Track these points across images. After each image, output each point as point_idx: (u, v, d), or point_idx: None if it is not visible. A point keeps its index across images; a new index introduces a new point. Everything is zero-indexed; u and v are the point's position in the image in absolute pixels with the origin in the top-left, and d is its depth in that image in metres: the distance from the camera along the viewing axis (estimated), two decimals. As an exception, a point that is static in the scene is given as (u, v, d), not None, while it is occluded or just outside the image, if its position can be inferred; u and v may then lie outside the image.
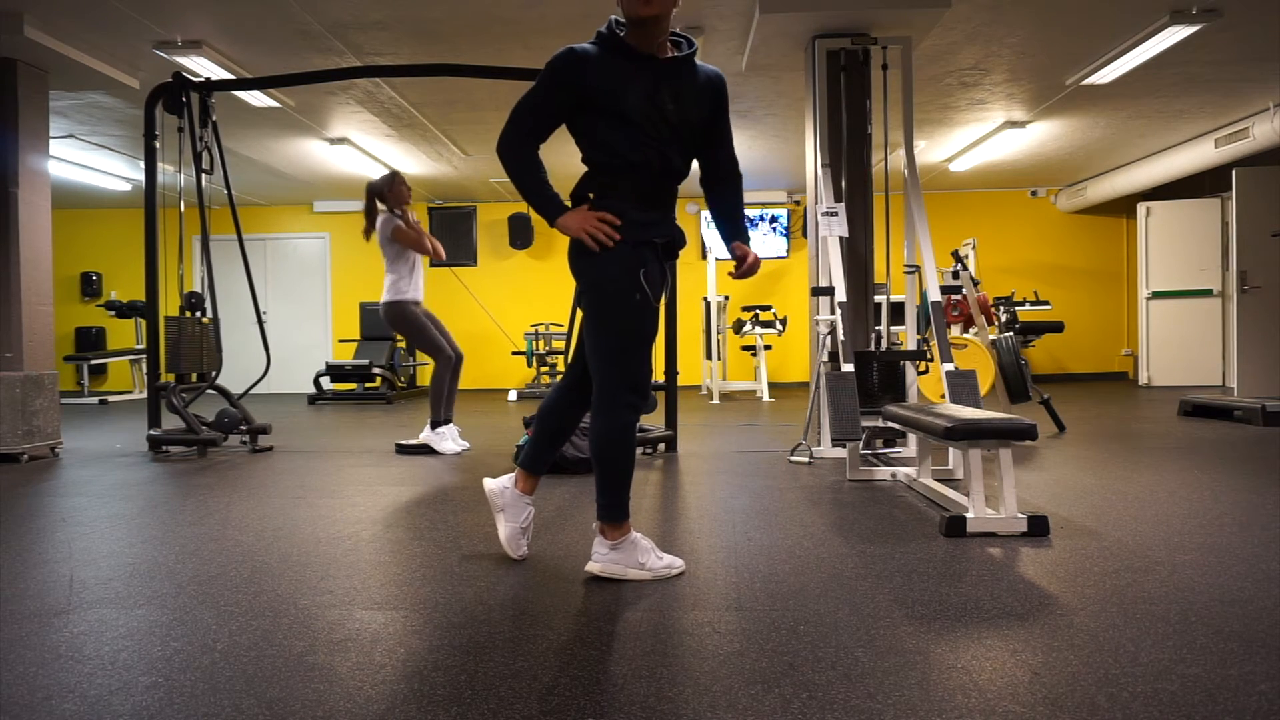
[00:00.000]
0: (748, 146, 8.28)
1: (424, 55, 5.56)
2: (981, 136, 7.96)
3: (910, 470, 3.69)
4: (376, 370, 9.41)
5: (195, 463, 4.61)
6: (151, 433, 5.00)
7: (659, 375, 5.05)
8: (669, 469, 4.20)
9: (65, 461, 4.75)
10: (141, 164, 8.25)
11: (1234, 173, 7.30)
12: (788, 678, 1.59)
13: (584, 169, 2.31)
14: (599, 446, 2.22)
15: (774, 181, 10.19)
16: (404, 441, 5.03)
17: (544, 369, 9.91)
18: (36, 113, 5.29)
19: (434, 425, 4.92)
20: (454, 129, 7.44)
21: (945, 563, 2.38)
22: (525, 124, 2.21)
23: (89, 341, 11.17)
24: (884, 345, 4.61)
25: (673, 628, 1.87)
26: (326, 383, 10.24)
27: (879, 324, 4.80)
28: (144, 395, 10.30)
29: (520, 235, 10.84)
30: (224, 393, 5.28)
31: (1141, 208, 9.29)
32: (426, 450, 4.90)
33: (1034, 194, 10.77)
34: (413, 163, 8.75)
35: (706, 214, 10.82)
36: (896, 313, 6.36)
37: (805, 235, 9.33)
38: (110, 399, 9.93)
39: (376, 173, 8.92)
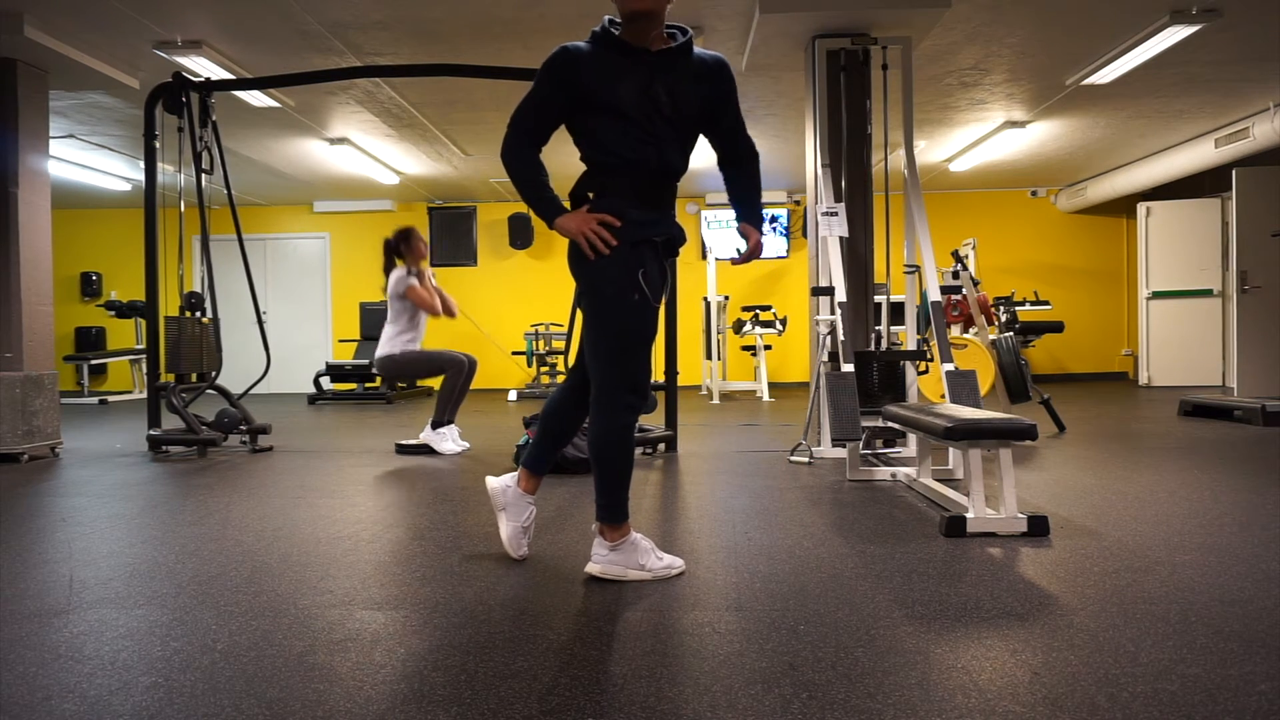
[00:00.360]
0: (748, 146, 8.26)
1: (424, 55, 5.56)
2: (981, 136, 7.95)
3: (910, 470, 3.69)
4: (376, 370, 9.40)
5: (195, 463, 4.61)
6: (151, 433, 5.00)
7: (659, 375, 5.05)
8: (669, 469, 4.20)
9: (65, 461, 4.75)
10: (141, 164, 8.25)
11: (1234, 173, 7.30)
12: (788, 678, 1.59)
13: (583, 168, 2.30)
14: (598, 447, 2.22)
15: (774, 181, 10.19)
16: (404, 441, 5.04)
17: (544, 369, 9.91)
18: (36, 113, 5.29)
19: (435, 425, 4.92)
20: (454, 129, 7.43)
21: (945, 563, 2.38)
22: (525, 127, 2.21)
23: (89, 341, 11.17)
24: (884, 345, 4.60)
25: (673, 628, 1.87)
26: (326, 383, 10.23)
27: (879, 324, 4.80)
28: (144, 395, 10.30)
29: (520, 235, 10.84)
30: (224, 393, 5.28)
31: (1141, 208, 9.29)
32: (426, 450, 4.90)
33: (1034, 194, 10.77)
34: (413, 163, 8.75)
35: (706, 214, 10.83)
36: (896, 313, 6.36)
37: (805, 235, 9.33)
38: (110, 399, 9.94)
39: (377, 173, 8.93)
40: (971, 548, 2.56)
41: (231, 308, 10.77)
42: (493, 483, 2.49)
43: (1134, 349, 10.58)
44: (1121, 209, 10.61)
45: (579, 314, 2.34)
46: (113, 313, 9.95)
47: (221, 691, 1.56)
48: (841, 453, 4.51)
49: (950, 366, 3.76)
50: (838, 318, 4.00)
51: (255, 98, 6.28)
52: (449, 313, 5.02)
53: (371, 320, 10.28)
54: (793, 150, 8.49)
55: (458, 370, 4.93)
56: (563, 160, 8.34)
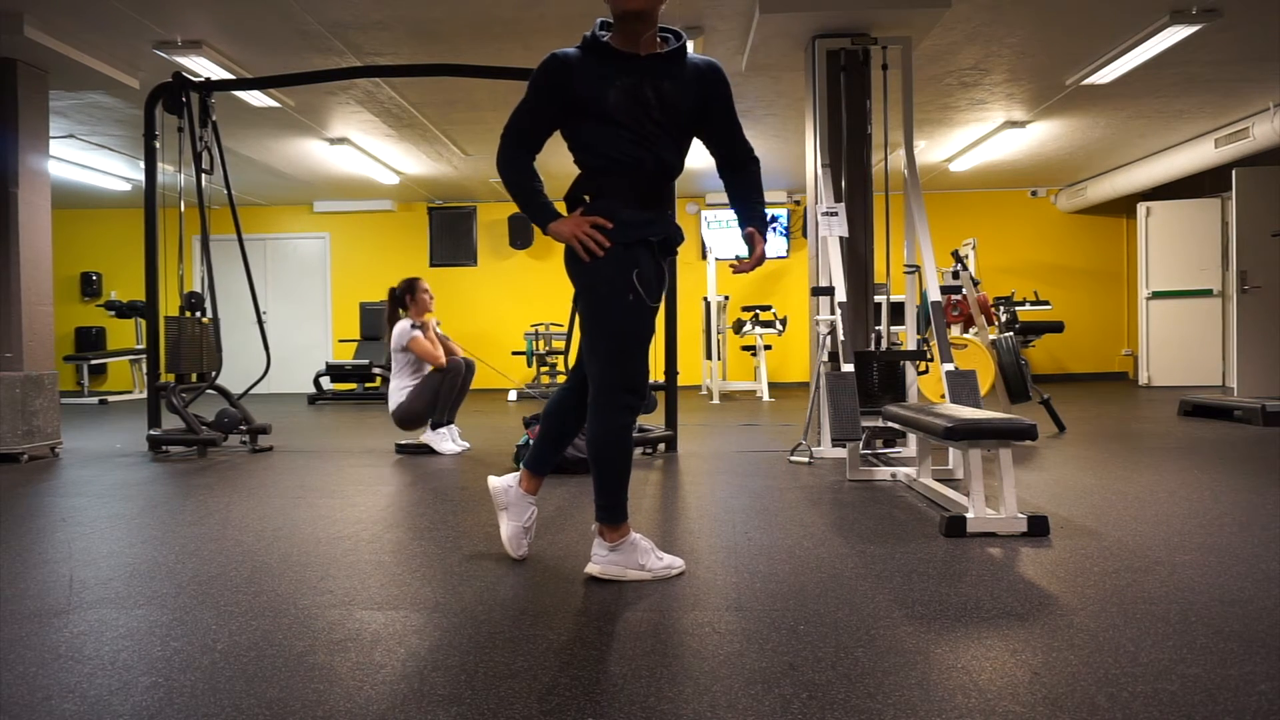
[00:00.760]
0: (748, 146, 8.26)
1: (424, 55, 5.56)
2: (981, 136, 7.95)
3: (910, 470, 3.69)
4: (376, 370, 9.41)
5: (195, 463, 4.61)
6: (151, 433, 5.00)
7: (659, 375, 5.05)
8: (669, 469, 4.20)
9: (65, 461, 4.75)
10: (141, 164, 8.25)
11: (1234, 173, 7.30)
12: (788, 678, 1.59)
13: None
14: (596, 447, 2.22)
15: (774, 181, 10.19)
16: (404, 441, 5.04)
17: (544, 369, 9.91)
18: (36, 113, 5.29)
19: (435, 425, 4.93)
20: (454, 129, 7.43)
21: (945, 563, 2.38)
22: (518, 135, 2.22)
23: (89, 341, 11.17)
24: (884, 345, 4.60)
25: (673, 628, 1.87)
26: (326, 383, 10.23)
27: (879, 324, 4.80)
28: (144, 395, 10.30)
29: (520, 235, 10.84)
30: (224, 393, 5.28)
31: (1141, 208, 9.29)
32: (426, 450, 4.91)
33: (1034, 194, 10.77)
34: (413, 163, 8.75)
35: (706, 214, 10.83)
36: (896, 313, 6.36)
37: (805, 235, 9.33)
38: (110, 399, 9.94)
39: (377, 173, 8.93)
40: (971, 548, 2.56)
41: (231, 308, 10.77)
42: (495, 482, 2.49)
43: (1134, 349, 10.58)
44: (1121, 209, 10.61)
45: (578, 315, 2.34)
46: (113, 313, 9.95)
47: (221, 691, 1.56)
48: (841, 453, 4.51)
49: (950, 366, 3.76)
50: (838, 318, 4.00)
51: (255, 98, 6.28)
52: (452, 357, 5.02)
53: (371, 320, 10.27)
54: (793, 150, 8.49)
55: (455, 373, 4.94)
56: (563, 160, 8.34)
